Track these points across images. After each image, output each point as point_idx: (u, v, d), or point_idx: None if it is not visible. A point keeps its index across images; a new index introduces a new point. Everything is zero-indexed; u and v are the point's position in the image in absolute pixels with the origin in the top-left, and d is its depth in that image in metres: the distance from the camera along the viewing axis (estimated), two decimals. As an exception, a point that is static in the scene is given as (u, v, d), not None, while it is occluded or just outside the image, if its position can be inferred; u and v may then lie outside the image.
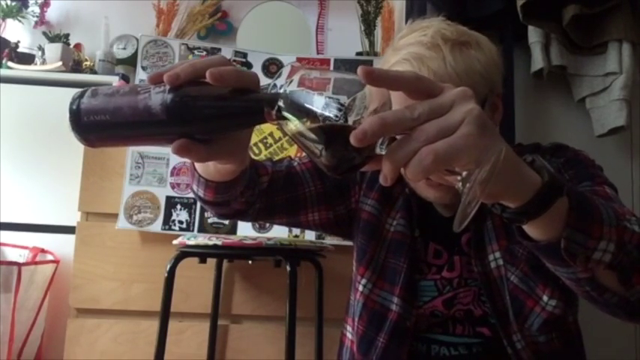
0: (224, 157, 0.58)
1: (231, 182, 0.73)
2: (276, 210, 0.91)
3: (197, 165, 0.71)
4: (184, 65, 0.48)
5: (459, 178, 0.45)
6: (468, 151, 0.42)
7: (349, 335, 0.96)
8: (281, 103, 0.45)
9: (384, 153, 0.44)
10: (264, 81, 1.67)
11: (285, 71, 0.47)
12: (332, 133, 0.43)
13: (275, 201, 0.89)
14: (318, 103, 0.44)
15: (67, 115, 0.49)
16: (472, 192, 0.44)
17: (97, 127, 0.49)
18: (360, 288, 0.90)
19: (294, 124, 0.45)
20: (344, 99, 0.44)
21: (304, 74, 0.46)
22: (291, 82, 0.45)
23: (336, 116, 0.43)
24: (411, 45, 0.81)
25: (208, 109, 0.48)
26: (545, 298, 0.81)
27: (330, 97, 0.44)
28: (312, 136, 0.44)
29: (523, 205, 0.52)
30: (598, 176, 0.82)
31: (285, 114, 0.45)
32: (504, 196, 0.52)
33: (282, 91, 0.45)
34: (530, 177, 0.52)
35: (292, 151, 1.74)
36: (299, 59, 1.86)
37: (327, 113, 0.43)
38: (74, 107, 0.49)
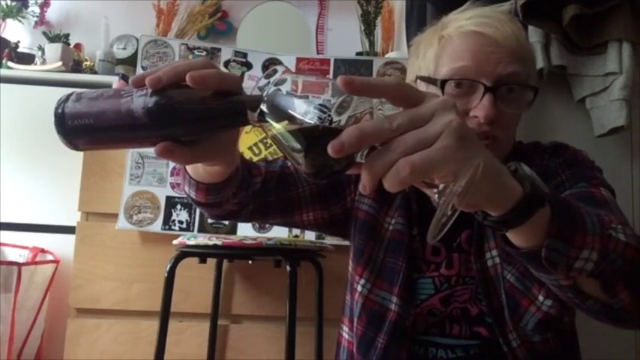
0: (209, 159, 0.58)
1: (221, 184, 0.72)
2: (269, 210, 0.91)
3: (187, 167, 0.71)
4: (166, 68, 0.48)
5: (435, 190, 0.44)
6: (445, 164, 0.42)
7: (345, 335, 0.96)
8: (263, 107, 0.44)
9: (363, 161, 0.43)
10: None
11: (279, 72, 0.47)
12: (311, 139, 0.42)
13: (268, 201, 0.89)
14: (301, 108, 0.43)
15: (52, 119, 0.50)
16: (447, 205, 0.44)
17: (82, 131, 0.50)
18: (359, 288, 0.90)
19: (275, 128, 0.44)
20: (329, 102, 0.43)
21: (292, 78, 0.45)
22: (276, 84, 0.45)
23: (320, 119, 0.42)
24: (488, 11, 0.86)
25: (190, 112, 0.48)
26: (540, 298, 0.81)
27: (313, 103, 0.43)
28: (293, 141, 0.43)
29: (503, 214, 0.52)
30: (595, 178, 0.82)
31: (267, 117, 0.44)
32: (484, 206, 0.52)
33: (265, 93, 0.45)
34: (512, 188, 0.52)
35: (292, 151, 1.74)
36: (299, 59, 1.87)
37: (307, 119, 0.42)
38: (59, 111, 0.50)
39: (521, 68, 0.82)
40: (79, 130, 0.49)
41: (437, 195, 0.44)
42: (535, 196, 0.53)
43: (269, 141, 1.76)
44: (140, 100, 0.48)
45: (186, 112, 0.48)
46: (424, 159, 0.41)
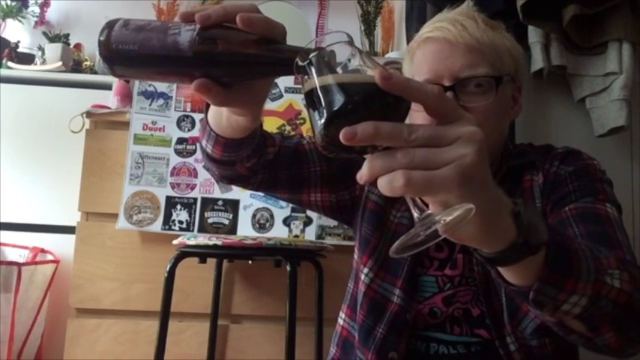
0: (240, 106, 0.59)
1: (240, 141, 0.73)
2: (278, 184, 0.91)
3: (210, 118, 0.72)
4: (216, 7, 0.50)
5: (417, 215, 0.44)
6: (439, 193, 0.41)
7: (341, 321, 0.97)
8: (311, 62, 0.44)
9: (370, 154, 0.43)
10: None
11: (330, 38, 0.46)
12: (340, 109, 0.41)
13: (279, 174, 0.90)
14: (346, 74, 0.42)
15: (97, 41, 0.51)
16: (425, 230, 0.43)
17: (124, 56, 0.50)
18: (362, 277, 0.91)
19: (315, 82, 0.43)
20: None
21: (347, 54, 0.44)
22: (326, 50, 0.44)
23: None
24: (446, 15, 0.88)
25: (236, 54, 0.49)
26: None
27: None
28: (322, 101, 0.42)
29: (492, 253, 0.51)
30: (603, 192, 0.81)
31: (313, 70, 0.43)
32: (471, 244, 0.50)
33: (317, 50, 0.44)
34: (506, 232, 0.49)
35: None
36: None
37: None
38: (102, 38, 0.51)
39: (480, 60, 0.83)
40: (122, 54, 0.50)
41: (417, 219, 0.44)
42: (528, 246, 0.50)
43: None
44: (187, 34, 0.48)
45: (231, 54, 0.49)
46: (422, 179, 0.40)
